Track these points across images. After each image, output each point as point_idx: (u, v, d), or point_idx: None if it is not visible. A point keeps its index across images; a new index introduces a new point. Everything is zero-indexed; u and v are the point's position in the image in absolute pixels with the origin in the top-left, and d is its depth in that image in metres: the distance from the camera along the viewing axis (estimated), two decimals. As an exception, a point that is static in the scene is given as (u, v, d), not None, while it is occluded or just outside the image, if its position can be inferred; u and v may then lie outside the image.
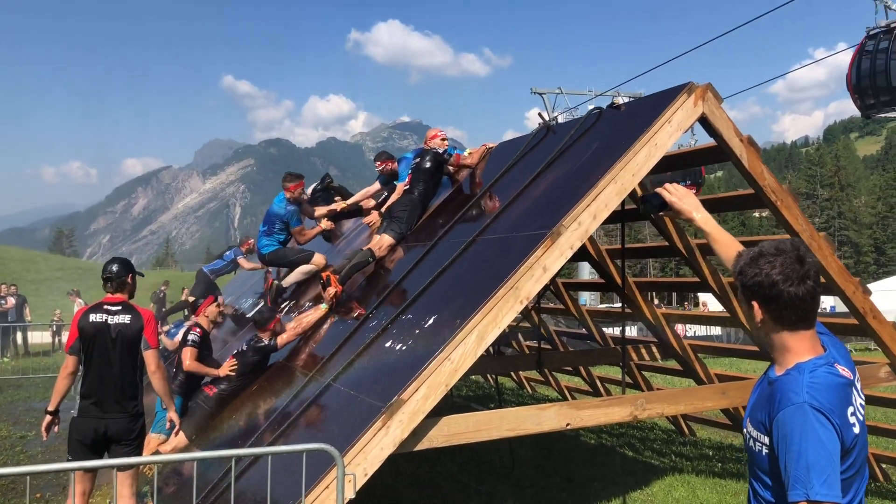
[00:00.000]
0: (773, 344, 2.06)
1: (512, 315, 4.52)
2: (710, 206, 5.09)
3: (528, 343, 11.14)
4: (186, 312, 10.97)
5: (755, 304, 2.04)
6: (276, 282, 8.03)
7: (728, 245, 2.54)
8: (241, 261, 11.33)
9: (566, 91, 37.57)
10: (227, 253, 11.69)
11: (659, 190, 2.71)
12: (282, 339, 6.31)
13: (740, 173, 5.10)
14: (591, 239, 7.47)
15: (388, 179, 8.31)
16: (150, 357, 5.02)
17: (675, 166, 5.76)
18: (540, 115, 6.56)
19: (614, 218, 5.97)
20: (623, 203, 5.89)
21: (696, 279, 6.55)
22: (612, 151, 4.91)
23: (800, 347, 2.01)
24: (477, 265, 5.07)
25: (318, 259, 7.76)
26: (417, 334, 4.75)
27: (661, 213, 2.78)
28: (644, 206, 2.85)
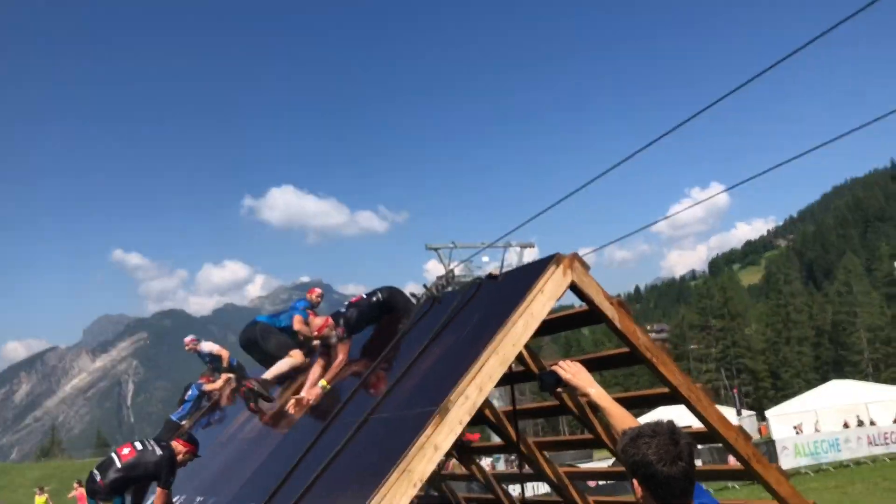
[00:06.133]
0: None
1: (407, 499, 4.43)
2: (588, 365, 5.30)
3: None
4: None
5: (635, 481, 2.21)
6: (255, 382, 7.73)
7: (622, 419, 2.69)
8: (207, 386, 10.87)
9: (459, 245, 38.93)
10: (189, 392, 11.07)
11: (553, 367, 2.81)
12: None
13: (614, 334, 5.35)
14: (486, 401, 7.54)
15: None
16: None
17: (553, 330, 6.00)
18: (425, 286, 6.76)
19: (503, 380, 6.07)
20: (511, 366, 6.01)
21: (591, 436, 6.65)
22: (493, 322, 5.08)
23: None
24: (369, 448, 5.00)
25: (298, 354, 7.46)
26: (311, 529, 4.57)
27: (557, 390, 2.85)
28: (540, 383, 2.92)
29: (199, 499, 7.07)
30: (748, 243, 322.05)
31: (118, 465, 6.03)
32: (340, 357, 6.75)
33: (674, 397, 5.53)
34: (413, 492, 4.48)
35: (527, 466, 7.46)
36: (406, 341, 6.34)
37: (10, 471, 53.60)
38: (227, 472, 7.25)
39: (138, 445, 6.28)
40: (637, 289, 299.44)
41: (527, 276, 5.31)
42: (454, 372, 4.88)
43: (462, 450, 8.87)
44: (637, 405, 6.53)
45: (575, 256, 5.23)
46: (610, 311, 5.26)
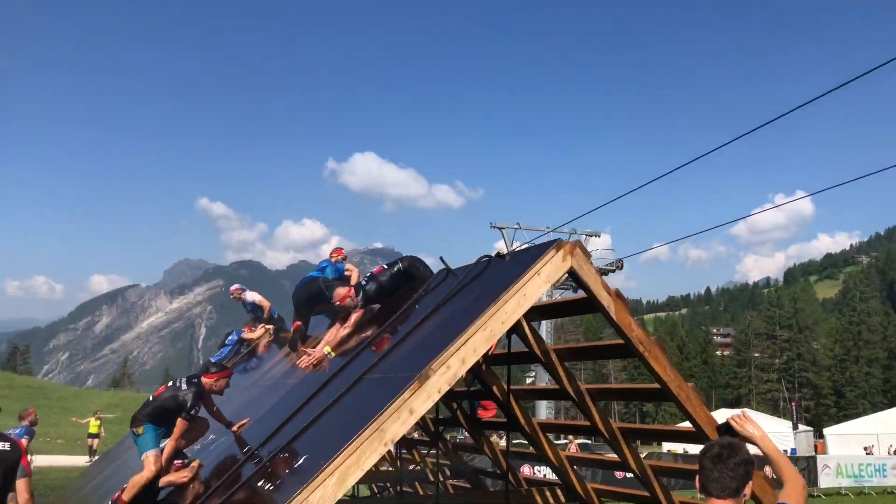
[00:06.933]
0: None
1: (376, 457, 4.60)
2: (581, 354, 5.36)
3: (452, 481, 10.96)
4: None
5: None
6: (301, 325, 8.11)
7: (782, 466, 2.92)
8: (246, 334, 11.42)
9: (524, 227, 38.94)
10: (230, 338, 11.72)
11: (728, 419, 3.24)
12: (164, 480, 6.31)
13: (609, 324, 5.36)
14: (496, 376, 7.65)
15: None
16: (23, 485, 5.13)
17: (546, 315, 6.05)
18: (441, 259, 6.89)
19: (501, 360, 6.17)
20: (509, 346, 6.10)
21: (588, 423, 6.68)
22: (488, 299, 5.16)
23: None
24: (354, 405, 5.18)
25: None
26: (287, 474, 4.79)
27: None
28: (719, 433, 3.40)
29: (211, 436, 7.45)
30: (828, 256, 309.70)
31: (151, 399, 6.64)
32: (348, 324, 6.98)
33: (662, 394, 5.51)
34: (383, 451, 4.64)
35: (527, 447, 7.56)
36: (414, 310, 6.48)
37: (82, 396, 56.78)
38: (237, 418, 7.58)
39: (170, 384, 6.84)
40: (708, 290, 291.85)
41: (528, 258, 5.35)
42: (442, 342, 5.00)
43: (474, 424, 9.02)
44: (625, 397, 6.51)
45: (578, 244, 5.24)
46: (606, 300, 5.27)
